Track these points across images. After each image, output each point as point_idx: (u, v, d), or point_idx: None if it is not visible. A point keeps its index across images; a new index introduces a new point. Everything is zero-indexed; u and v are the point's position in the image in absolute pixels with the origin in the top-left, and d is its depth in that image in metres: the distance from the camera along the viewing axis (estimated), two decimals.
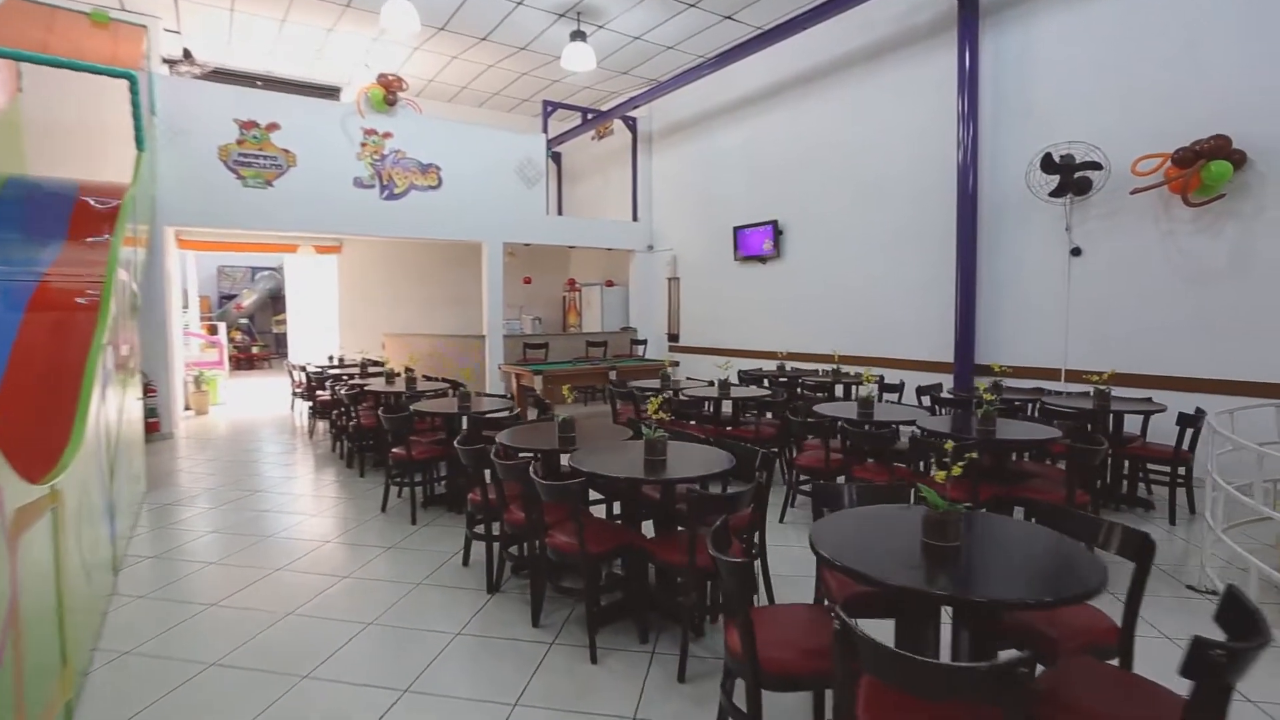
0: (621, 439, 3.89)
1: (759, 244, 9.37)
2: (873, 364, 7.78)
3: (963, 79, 6.80)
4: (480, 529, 3.71)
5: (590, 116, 11.16)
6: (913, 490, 2.62)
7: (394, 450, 4.74)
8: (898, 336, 7.73)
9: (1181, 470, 4.75)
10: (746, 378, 7.47)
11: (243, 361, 18.84)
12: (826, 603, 2.49)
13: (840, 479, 4.43)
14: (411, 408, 4.91)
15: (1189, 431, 4.70)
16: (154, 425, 7.42)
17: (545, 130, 10.58)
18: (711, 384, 6.44)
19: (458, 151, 9.56)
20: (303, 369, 9.02)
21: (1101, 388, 5.02)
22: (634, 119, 11.55)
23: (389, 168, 9.01)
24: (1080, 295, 6.26)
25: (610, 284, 12.00)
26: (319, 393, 7.86)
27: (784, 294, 9.15)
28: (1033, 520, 2.38)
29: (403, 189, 9.13)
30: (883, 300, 7.89)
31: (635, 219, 11.63)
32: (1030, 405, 5.43)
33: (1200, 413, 4.62)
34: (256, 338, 20.21)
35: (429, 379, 7.10)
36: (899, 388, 6.64)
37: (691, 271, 10.79)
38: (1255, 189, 5.19)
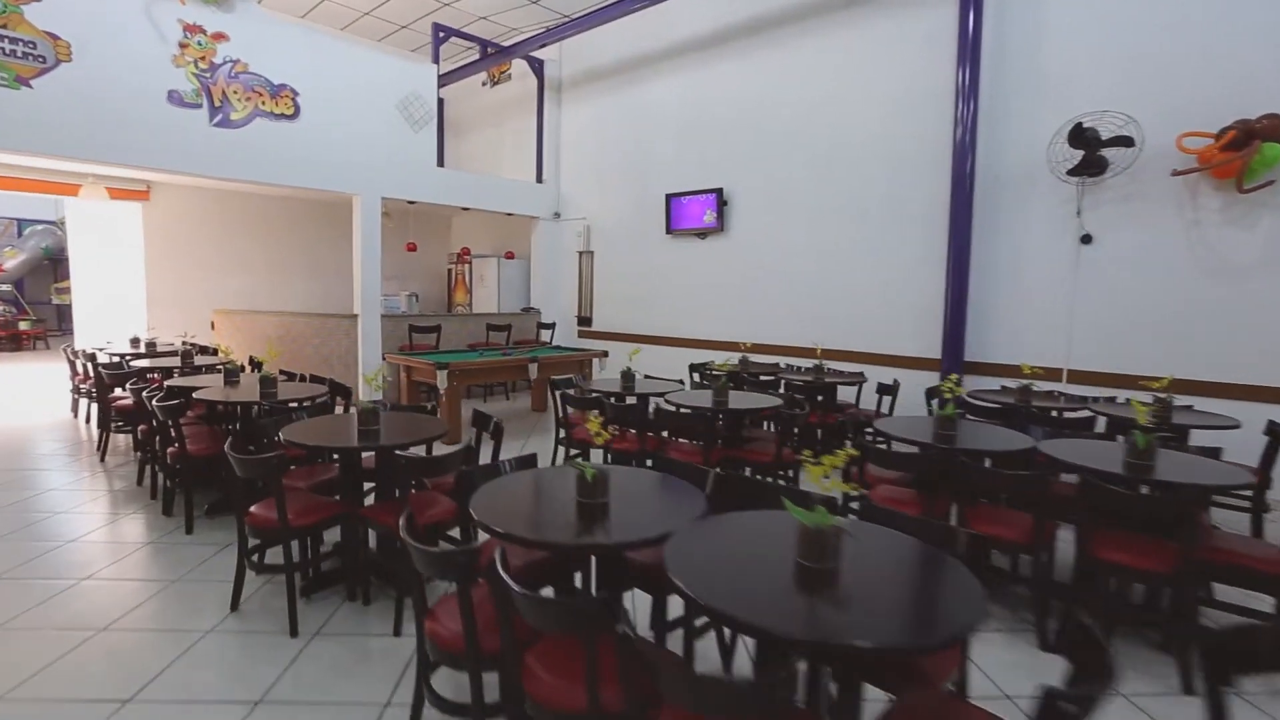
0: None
1: (698, 215, 8.06)
2: (843, 358, 6.78)
3: (964, 42, 5.86)
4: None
5: (491, 51, 9.21)
6: None
7: (254, 511, 2.88)
8: (872, 327, 6.77)
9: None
10: (713, 372, 6.15)
11: (5, 341, 14.67)
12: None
13: None
14: (282, 435, 3.04)
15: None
16: None
17: (436, 60, 8.51)
18: (688, 384, 5.05)
19: (322, 72, 7.30)
20: (90, 358, 6.44)
21: (1163, 397, 4.25)
22: (540, 61, 9.74)
23: (223, 82, 6.60)
24: (1088, 287, 5.57)
25: (510, 256, 10.16)
26: (116, 395, 5.48)
27: (729, 274, 7.92)
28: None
29: (243, 114, 6.76)
30: (851, 286, 6.89)
31: (540, 180, 9.87)
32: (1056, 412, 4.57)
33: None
34: (27, 310, 15.90)
35: (287, 376, 5.05)
36: (894, 389, 5.63)
37: (609, 245, 9.28)
38: None
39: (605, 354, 7.38)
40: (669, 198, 8.34)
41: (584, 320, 9.58)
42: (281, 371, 5.18)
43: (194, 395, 4.02)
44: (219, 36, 6.56)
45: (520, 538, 1.91)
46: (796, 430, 4.22)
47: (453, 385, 5.91)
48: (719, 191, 7.83)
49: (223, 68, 6.60)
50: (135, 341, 7.31)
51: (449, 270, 11.10)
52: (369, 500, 3.36)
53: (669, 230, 8.38)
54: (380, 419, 3.16)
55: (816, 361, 5.94)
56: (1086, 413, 4.56)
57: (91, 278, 9.85)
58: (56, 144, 5.76)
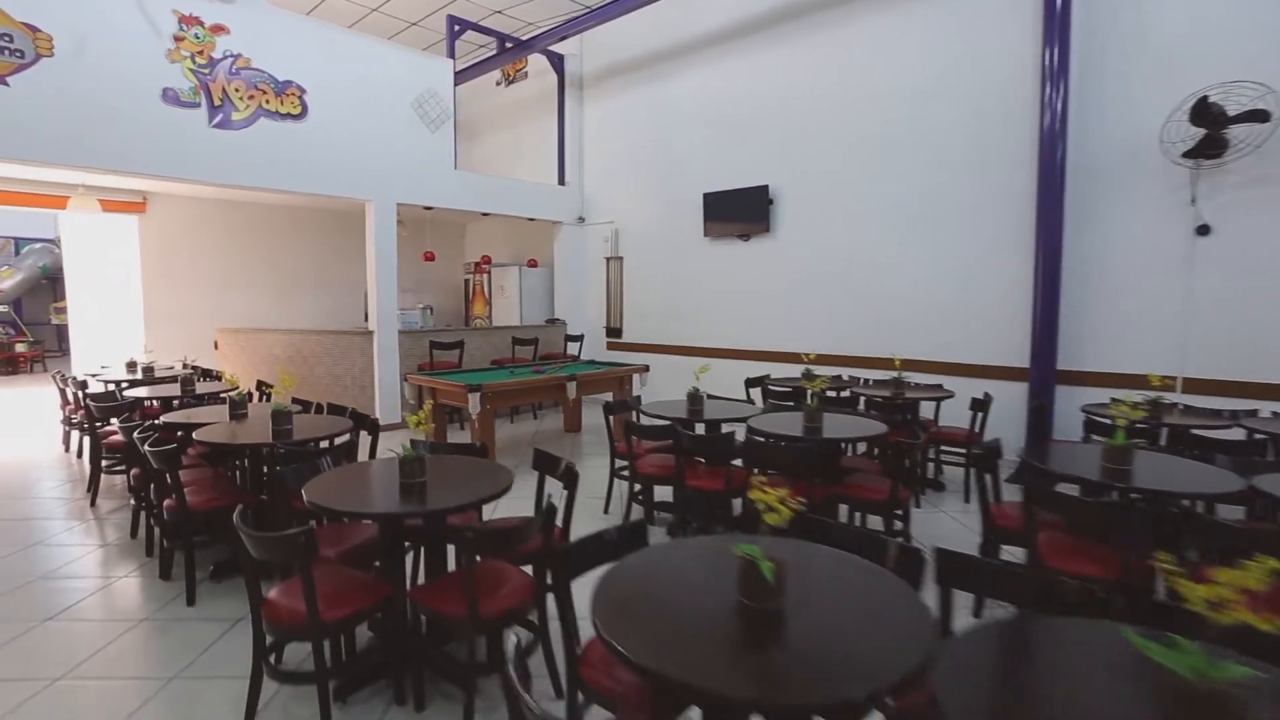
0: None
1: (740, 215, 7.41)
2: (913, 369, 6.10)
3: (1051, 17, 5.24)
4: None
5: (509, 46, 8.60)
6: None
7: (274, 601, 2.22)
8: (946, 334, 6.10)
9: None
10: (773, 388, 5.50)
11: (1, 365, 14.08)
12: None
13: None
14: (307, 496, 2.38)
15: None
16: None
17: (452, 55, 7.90)
18: (750, 401, 4.38)
19: (331, 68, 6.69)
20: (80, 385, 5.81)
21: None
22: (560, 56, 9.14)
23: (223, 79, 5.99)
24: (1206, 284, 4.90)
25: (533, 264, 9.52)
26: (108, 429, 4.84)
27: (776, 278, 7.27)
28: None
29: (245, 114, 6.14)
30: (920, 289, 6.22)
31: (562, 183, 9.24)
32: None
33: None
34: (24, 331, 15.33)
35: (301, 406, 4.39)
36: (985, 404, 4.95)
37: (639, 250, 8.63)
38: None
39: (646, 369, 6.72)
40: (706, 197, 7.70)
41: (613, 331, 8.93)
42: (294, 400, 4.53)
43: (195, 435, 3.37)
44: (218, 29, 5.95)
45: (707, 692, 1.24)
46: (908, 462, 3.55)
47: (486, 409, 5.25)
48: (764, 189, 7.19)
49: (223, 63, 5.98)
50: (131, 365, 6.67)
51: (466, 281, 10.47)
52: (410, 556, 2.70)
53: (707, 232, 7.74)
54: (426, 469, 2.50)
55: (895, 374, 5.28)
56: (1238, 431, 3.89)
57: (87, 297, 9.23)
58: (36, 148, 5.14)
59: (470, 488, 2.50)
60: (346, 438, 3.49)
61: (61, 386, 6.15)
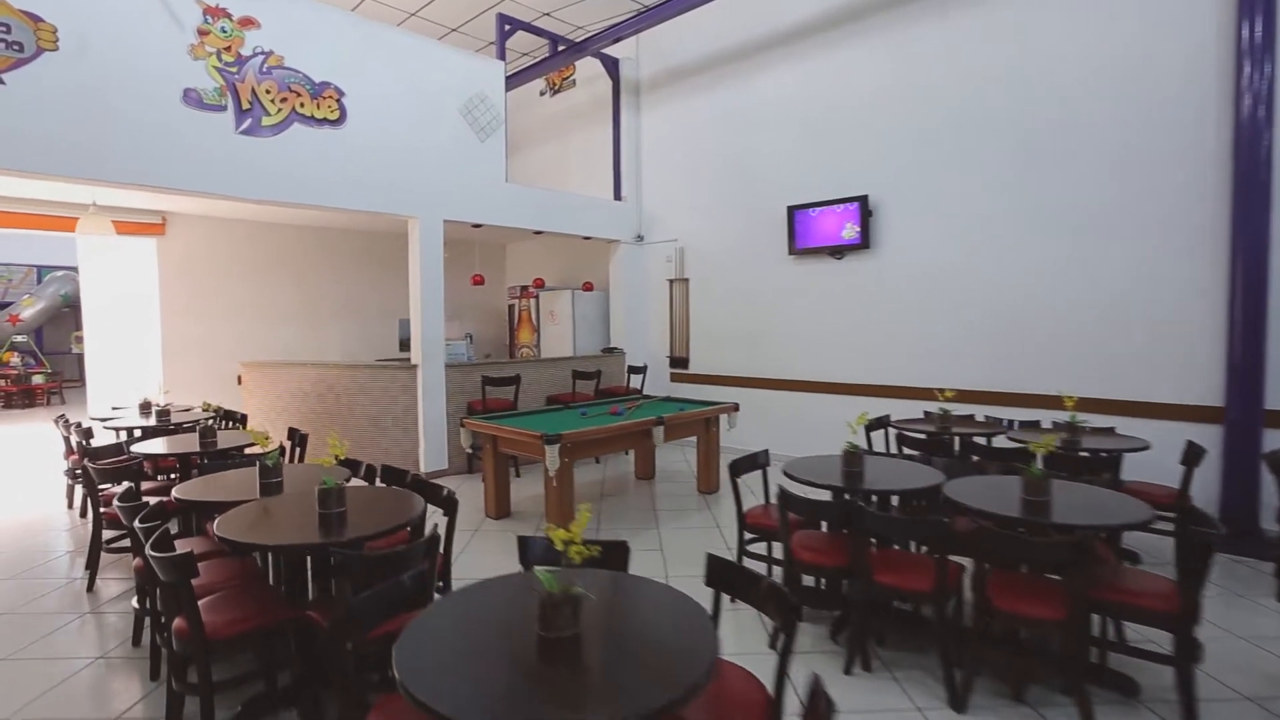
0: None
1: (834, 230, 6.48)
2: (1061, 406, 5.08)
3: None
4: None
5: (561, 49, 7.80)
6: None
7: None
8: (1103, 367, 5.08)
9: None
10: (910, 433, 4.50)
11: (16, 397, 13.45)
12: None
13: None
14: (403, 680, 1.44)
15: None
16: None
17: (502, 56, 7.10)
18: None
19: (372, 69, 5.90)
20: (84, 434, 4.97)
21: None
22: (615, 60, 8.34)
23: (252, 79, 5.20)
24: None
25: (589, 288, 8.63)
26: (105, 493, 3.96)
27: (877, 302, 6.30)
28: None
29: (277, 119, 5.34)
30: (1069, 313, 5.22)
31: (618, 198, 8.38)
32: None
33: None
34: (43, 362, 14.76)
35: (349, 469, 3.47)
36: (1197, 456, 3.91)
37: (708, 270, 7.72)
38: None
39: (736, 408, 5.76)
40: (792, 210, 6.78)
41: (678, 361, 7.98)
42: (338, 459, 3.62)
43: (215, 528, 2.44)
44: (248, 22, 5.17)
45: None
46: (1203, 557, 2.54)
47: (565, 463, 4.31)
48: (862, 200, 6.26)
49: (252, 61, 5.20)
50: (146, 407, 5.83)
51: (510, 306, 9.59)
52: None
53: (793, 250, 6.80)
54: (579, 611, 1.57)
55: (1069, 416, 4.26)
56: None
57: (103, 327, 8.48)
58: (37, 157, 4.34)
59: (661, 663, 1.55)
60: (420, 534, 2.55)
61: (65, 434, 5.32)
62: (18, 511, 5.62)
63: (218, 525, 2.45)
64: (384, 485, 3.39)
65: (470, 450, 5.15)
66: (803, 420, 6.79)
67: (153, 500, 4.07)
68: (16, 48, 4.25)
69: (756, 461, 3.72)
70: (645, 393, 7.43)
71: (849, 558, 2.85)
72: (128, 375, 8.11)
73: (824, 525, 3.33)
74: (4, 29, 4.21)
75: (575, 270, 9.46)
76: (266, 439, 3.38)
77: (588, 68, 8.95)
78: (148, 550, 2.25)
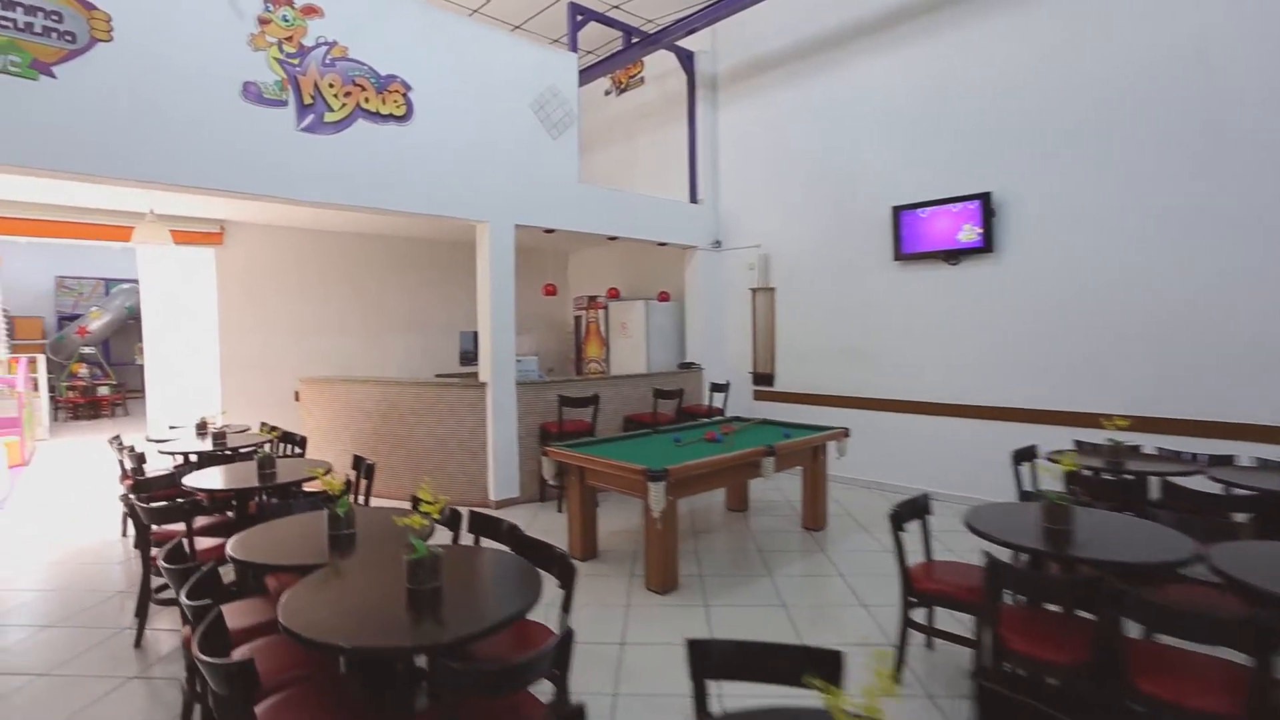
0: None
1: (949, 232, 5.73)
2: (1242, 435, 4.22)
3: None
4: None
5: (634, 41, 7.25)
6: None
7: None
8: None
9: None
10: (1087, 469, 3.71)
11: (83, 408, 13.56)
12: None
13: None
14: None
15: None
16: None
17: (574, 48, 6.58)
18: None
19: (439, 61, 5.43)
20: (137, 459, 4.58)
21: None
22: (689, 53, 7.75)
23: (314, 71, 4.77)
24: None
25: (665, 298, 8.03)
26: (156, 533, 3.51)
27: (1001, 313, 5.51)
28: None
29: (340, 115, 4.89)
30: (1252, 326, 4.36)
31: (694, 200, 7.77)
32: None
33: None
34: (109, 373, 14.90)
35: (433, 513, 2.91)
36: None
37: (797, 279, 7.02)
38: None
39: (847, 433, 5.05)
40: (897, 211, 6.05)
41: (762, 378, 7.29)
42: (416, 503, 3.06)
43: (281, 619, 1.88)
44: (311, 10, 4.74)
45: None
46: None
47: (670, 501, 3.68)
48: (984, 198, 5.49)
49: (315, 52, 4.76)
50: (202, 427, 5.44)
51: (577, 318, 9.05)
52: None
53: (899, 255, 6.07)
54: None
55: None
56: None
57: (162, 340, 8.26)
58: (89, 158, 3.95)
59: None
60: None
61: (119, 456, 4.94)
62: (73, 535, 5.29)
63: (283, 611, 1.89)
64: (472, 537, 2.82)
65: (553, 482, 4.56)
66: (912, 446, 6.03)
67: (206, 540, 3.65)
68: (68, 38, 3.88)
69: (917, 507, 3.02)
70: (728, 413, 6.77)
71: (1091, 651, 2.14)
72: (186, 390, 7.85)
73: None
74: (55, 17, 3.83)
75: (643, 279, 8.87)
76: (331, 476, 2.83)
77: (657, 64, 8.39)
78: (196, 652, 1.70)
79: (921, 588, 2.85)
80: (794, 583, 4.05)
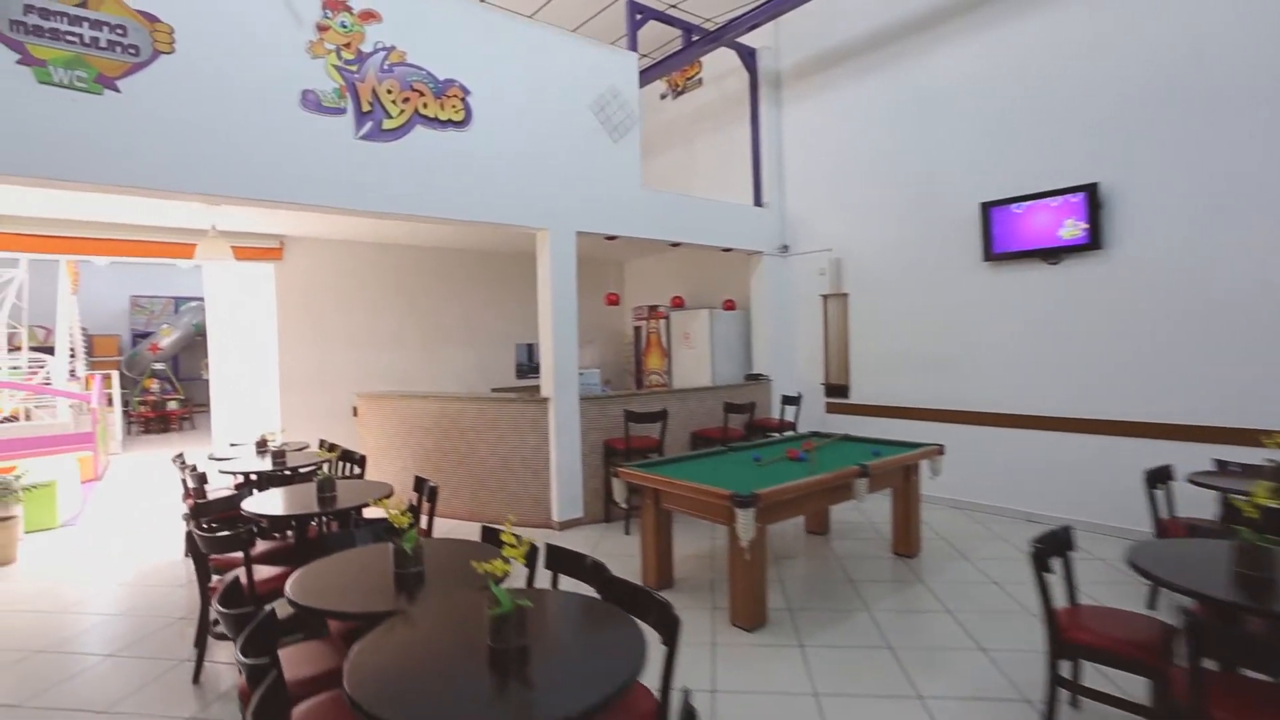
0: None
1: (1049, 229, 5.22)
2: None
3: None
4: None
5: (695, 39, 6.97)
6: None
7: None
8: None
9: None
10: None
11: (154, 422, 13.96)
12: None
13: None
14: None
15: None
16: None
17: (633, 47, 6.33)
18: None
19: (497, 64, 5.24)
20: (199, 478, 4.47)
21: None
22: (752, 51, 7.42)
23: (373, 78, 4.62)
24: None
25: (730, 306, 7.68)
26: (215, 560, 3.35)
27: (1112, 316, 4.97)
28: None
29: (399, 122, 4.73)
30: None
31: (759, 204, 7.40)
32: None
33: None
34: (178, 388, 15.35)
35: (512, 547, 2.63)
36: None
37: (872, 284, 6.57)
38: None
39: (941, 450, 4.59)
40: (986, 208, 5.57)
41: (835, 389, 6.85)
42: (488, 537, 2.78)
43: (346, 683, 1.61)
44: (369, 16, 4.61)
45: None
46: None
47: (760, 528, 3.32)
48: (1091, 189, 4.98)
49: (373, 58, 4.62)
50: (262, 445, 5.34)
51: (636, 328, 8.77)
52: None
53: (989, 255, 5.58)
54: None
55: None
56: None
57: (226, 356, 8.33)
58: (154, 172, 3.85)
59: None
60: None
61: (181, 475, 4.86)
62: (141, 553, 5.26)
63: (349, 678, 1.62)
64: (552, 577, 2.52)
65: (624, 505, 4.25)
66: (1005, 462, 5.51)
67: (265, 569, 3.46)
68: (132, 51, 3.80)
69: (1059, 542, 2.59)
70: (800, 427, 6.36)
71: None
72: (248, 405, 7.88)
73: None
74: (119, 31, 3.76)
75: (704, 288, 8.53)
76: (405, 520, 2.55)
77: (716, 65, 8.09)
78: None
79: (1070, 638, 2.42)
80: (895, 619, 3.63)
